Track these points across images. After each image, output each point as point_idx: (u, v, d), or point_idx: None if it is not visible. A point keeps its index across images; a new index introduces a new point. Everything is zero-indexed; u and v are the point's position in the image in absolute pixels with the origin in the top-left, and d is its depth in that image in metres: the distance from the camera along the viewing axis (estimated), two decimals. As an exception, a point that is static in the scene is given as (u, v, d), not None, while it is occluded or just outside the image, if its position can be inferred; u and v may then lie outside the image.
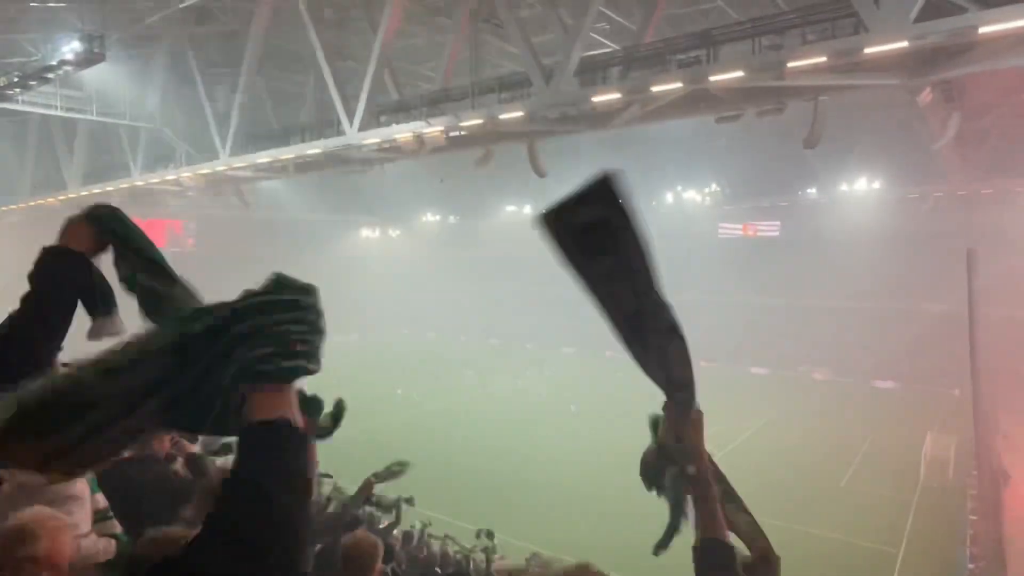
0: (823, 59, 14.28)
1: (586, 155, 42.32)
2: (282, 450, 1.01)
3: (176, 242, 50.46)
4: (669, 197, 55.43)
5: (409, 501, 8.71)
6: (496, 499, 23.56)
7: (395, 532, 8.67)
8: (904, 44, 13.17)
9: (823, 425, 32.88)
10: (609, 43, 23.28)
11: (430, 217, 68.28)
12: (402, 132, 22.13)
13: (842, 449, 28.97)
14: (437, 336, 59.05)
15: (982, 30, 12.56)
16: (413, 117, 22.05)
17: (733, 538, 1.82)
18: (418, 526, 11.62)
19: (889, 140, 37.17)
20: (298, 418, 1.05)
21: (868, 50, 13.57)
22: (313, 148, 25.58)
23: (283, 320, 1.03)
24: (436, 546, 11.17)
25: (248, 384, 1.02)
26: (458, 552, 11.28)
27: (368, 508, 9.60)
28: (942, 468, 25.55)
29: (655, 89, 17.07)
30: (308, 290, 1.10)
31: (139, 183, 32.28)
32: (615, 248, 1.54)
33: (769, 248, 51.77)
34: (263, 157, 27.07)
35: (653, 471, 1.69)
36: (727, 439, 30.24)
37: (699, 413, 1.68)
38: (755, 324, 47.48)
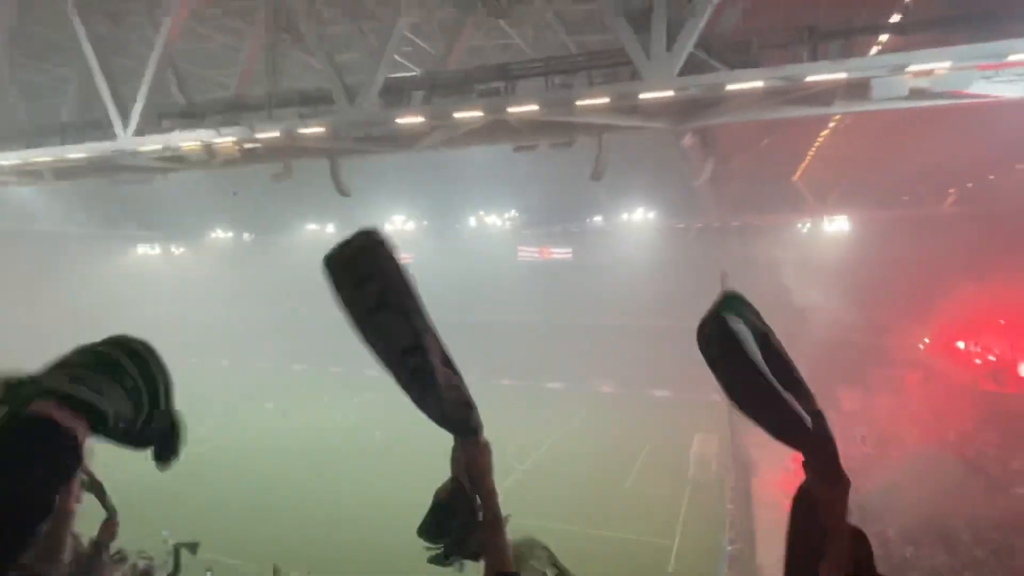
0: (606, 100, 15.76)
1: (392, 175, 42.09)
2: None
3: None
4: (472, 221, 57.13)
5: (192, 548, 7.95)
6: (294, 536, 22.19)
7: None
8: (670, 93, 15.03)
9: (610, 433, 35.71)
10: (413, 67, 23.44)
11: (221, 233, 62.91)
12: (188, 140, 20.15)
13: (627, 454, 31.68)
14: (231, 364, 54.36)
15: (729, 87, 14.78)
16: (202, 125, 20.22)
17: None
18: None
19: (661, 176, 41.81)
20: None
21: (642, 96, 15.25)
22: (76, 152, 22.31)
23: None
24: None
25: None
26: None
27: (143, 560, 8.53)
28: (706, 465, 29.00)
29: (457, 115, 17.55)
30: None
31: None
32: (382, 277, 1.58)
33: (563, 270, 55.36)
34: (8, 159, 23.04)
35: (440, 515, 1.66)
36: (528, 452, 31.55)
37: (485, 445, 1.68)
38: (551, 342, 50.30)
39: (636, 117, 16.66)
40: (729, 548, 20.99)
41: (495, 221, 57.31)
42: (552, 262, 56.61)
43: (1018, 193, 32.46)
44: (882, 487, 21.99)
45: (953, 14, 14.10)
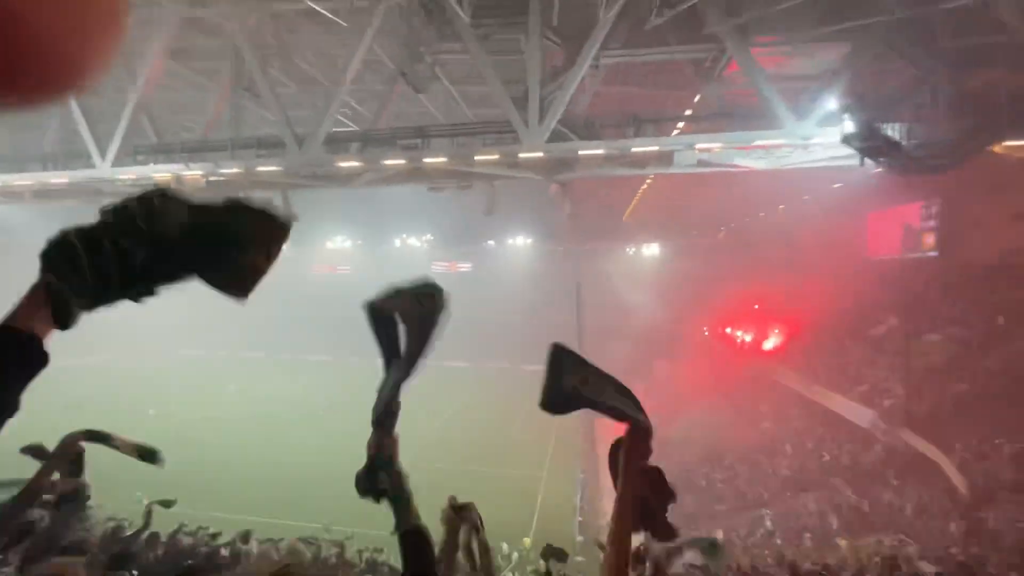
0: (496, 156, 15.93)
1: (333, 205, 40.08)
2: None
3: None
4: (397, 242, 55.70)
5: (166, 504, 6.75)
6: (259, 493, 20.46)
7: (144, 536, 6.74)
8: (541, 154, 15.44)
9: (502, 397, 35.92)
10: (351, 123, 22.50)
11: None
12: (161, 172, 18.14)
13: (512, 412, 31.99)
14: (195, 354, 49.25)
15: (581, 152, 15.41)
16: (172, 160, 18.27)
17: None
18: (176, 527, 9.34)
19: (537, 213, 42.94)
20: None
21: (521, 155, 15.56)
22: (59, 177, 19.44)
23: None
24: (188, 541, 9.09)
25: None
26: (211, 542, 9.35)
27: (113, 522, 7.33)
28: (567, 417, 29.82)
29: (385, 162, 17.06)
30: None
31: None
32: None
33: (466, 280, 55.24)
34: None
35: (364, 484, 1.56)
36: (440, 413, 31.06)
37: (396, 438, 1.56)
38: (455, 332, 49.85)
39: (517, 169, 16.96)
40: (581, 475, 21.71)
41: (414, 242, 56.26)
42: (458, 274, 56.33)
43: (760, 231, 36.34)
44: (681, 428, 23.65)
45: (722, 112, 15.55)
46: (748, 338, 30.00)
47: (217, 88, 19.22)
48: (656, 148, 15.16)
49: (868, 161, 13.54)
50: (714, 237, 44.21)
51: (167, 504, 6.72)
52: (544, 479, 22.73)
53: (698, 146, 14.98)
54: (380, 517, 1.67)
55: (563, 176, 17.42)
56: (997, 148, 13.45)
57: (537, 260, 52.01)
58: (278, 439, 27.01)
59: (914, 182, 18.56)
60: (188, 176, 18.09)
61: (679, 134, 15.84)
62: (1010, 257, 19.44)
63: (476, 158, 16.07)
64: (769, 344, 27.82)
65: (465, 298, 54.43)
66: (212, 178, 18.42)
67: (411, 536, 1.46)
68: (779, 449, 20.77)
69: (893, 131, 12.86)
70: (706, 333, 35.50)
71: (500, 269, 53.30)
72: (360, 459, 1.58)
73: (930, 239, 23.72)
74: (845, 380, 20.68)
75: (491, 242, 54.19)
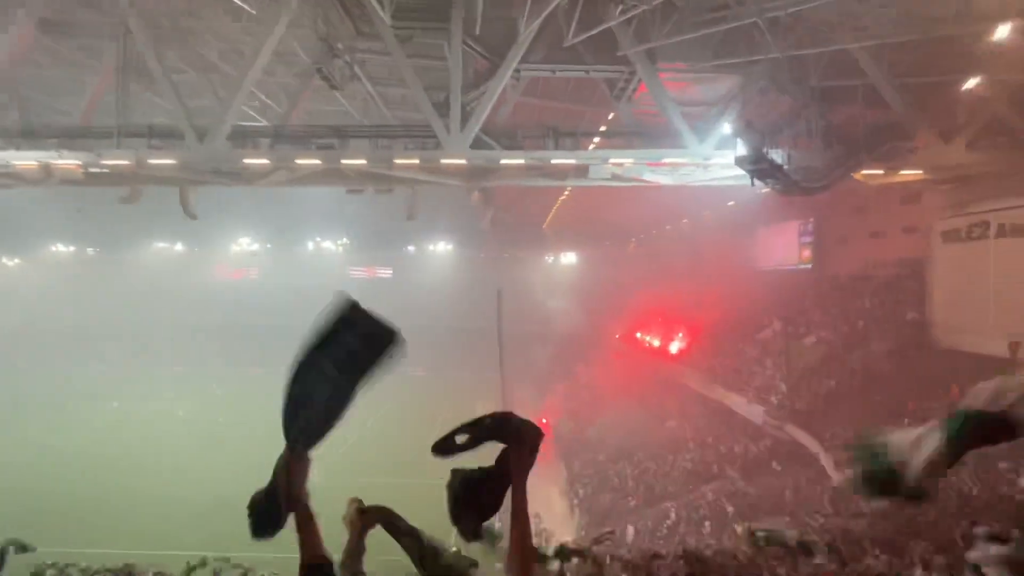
0: (417, 161, 15.73)
1: (241, 203, 37.27)
2: None
3: None
4: (311, 244, 52.93)
5: (22, 547, 5.77)
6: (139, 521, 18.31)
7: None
8: (463, 161, 15.49)
9: (422, 405, 35.15)
10: (259, 118, 21.08)
11: (61, 248, 50.02)
12: (25, 160, 15.82)
13: (431, 419, 31.42)
14: (79, 369, 43.11)
15: (502, 161, 15.67)
16: (41, 146, 15.98)
17: None
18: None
19: (458, 219, 42.81)
20: None
21: (443, 161, 15.51)
22: None
23: None
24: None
25: None
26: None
27: None
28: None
29: (299, 161, 16.20)
30: None
31: None
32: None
33: (386, 287, 53.66)
34: None
35: (261, 511, 1.44)
36: (358, 424, 29.79)
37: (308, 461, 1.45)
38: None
39: (439, 175, 16.86)
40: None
41: (329, 246, 53.75)
42: (378, 279, 54.59)
43: (666, 242, 39.06)
44: (598, 430, 24.60)
45: (634, 130, 16.57)
46: (656, 342, 31.92)
47: (91, 64, 17.15)
48: (573, 161, 15.80)
49: (757, 182, 15.10)
50: (626, 247, 46.79)
51: (23, 548, 5.71)
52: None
53: (611, 160, 15.83)
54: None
55: (485, 184, 17.58)
56: (858, 175, 15.60)
57: (458, 267, 51.80)
58: (169, 461, 24.44)
59: (795, 202, 20.94)
60: (61, 165, 15.95)
61: (595, 148, 16.66)
62: (869, 269, 22.56)
63: (397, 162, 15.76)
64: (675, 348, 29.80)
65: (384, 305, 52.93)
66: (93, 169, 16.40)
67: (314, 570, 1.40)
68: (683, 445, 22.28)
69: (777, 156, 14.47)
70: (618, 338, 37.30)
71: (421, 275, 52.39)
72: (261, 480, 1.49)
73: (806, 253, 26.94)
74: (739, 379, 22.70)
75: (411, 248, 53.19)
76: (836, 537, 7.56)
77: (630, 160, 15.83)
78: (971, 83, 13.23)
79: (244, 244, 51.90)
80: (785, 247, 28.14)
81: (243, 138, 16.12)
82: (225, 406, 33.18)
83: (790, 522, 12.54)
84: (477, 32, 15.51)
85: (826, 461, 15.26)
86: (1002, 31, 10.97)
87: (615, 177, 16.40)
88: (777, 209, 24.80)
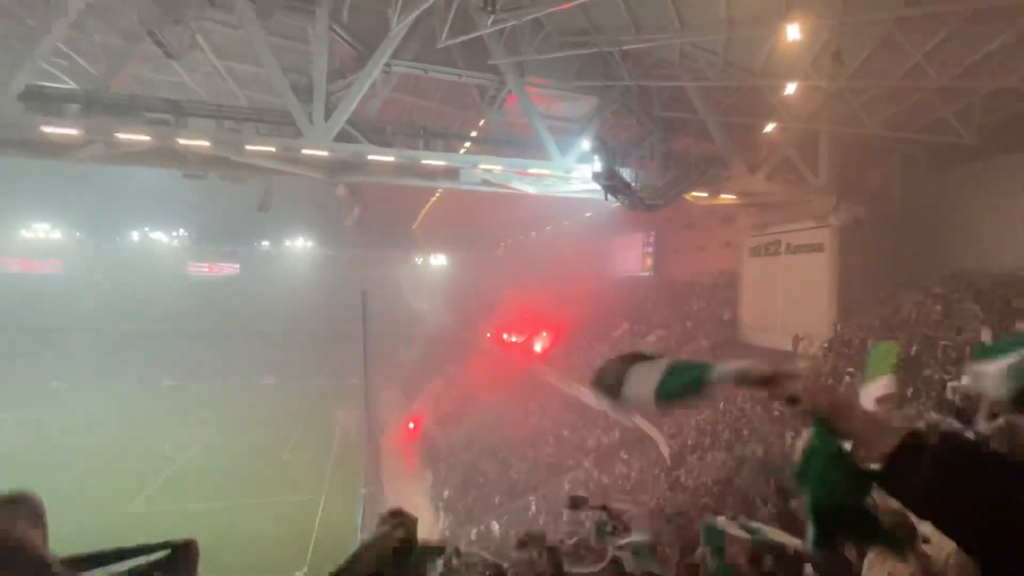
0: (272, 149, 14.42)
1: (46, 180, 30.55)
2: None
3: None
4: (135, 235, 45.23)
5: None
6: None
7: None
8: (326, 153, 14.60)
9: (272, 417, 32.19)
10: (67, 79, 17.47)
11: None
12: None
13: (284, 432, 28.97)
14: None
15: (369, 157, 15.11)
16: None
17: None
18: None
19: (320, 215, 40.12)
20: None
21: (304, 152, 14.44)
22: None
23: None
24: None
25: None
26: None
27: None
28: (348, 432, 28.48)
29: (121, 135, 13.75)
30: None
31: None
32: None
33: (231, 285, 48.02)
34: None
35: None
36: (189, 444, 26.21)
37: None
38: (221, 342, 42.97)
39: (298, 166, 15.64)
40: (363, 491, 20.95)
41: (161, 237, 46.43)
42: (221, 276, 48.56)
43: (532, 248, 41.26)
44: (466, 430, 24.85)
45: (503, 138, 17.19)
46: (521, 342, 33.42)
47: None
48: (444, 163, 15.86)
49: (610, 196, 16.71)
50: (495, 251, 48.26)
51: None
52: (322, 502, 21.19)
53: (481, 165, 16.23)
54: None
55: (350, 179, 16.77)
56: (688, 196, 18.13)
57: (320, 265, 48.48)
58: None
59: (639, 216, 23.61)
60: None
61: (465, 152, 16.91)
62: (696, 277, 26.36)
63: (248, 148, 14.25)
64: (538, 347, 31.51)
65: (226, 305, 47.43)
66: None
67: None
68: (544, 440, 23.61)
69: (627, 174, 16.19)
70: (488, 337, 38.22)
71: (276, 273, 47.94)
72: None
73: (649, 262, 30.59)
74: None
75: (266, 243, 48.43)
76: (666, 509, 8.71)
77: (499, 167, 16.38)
78: (769, 127, 16.27)
79: (41, 231, 42.41)
80: (632, 256, 31.64)
81: (44, 101, 13.21)
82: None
83: (631, 501, 14.12)
84: (345, 20, 14.79)
85: (663, 446, 17.42)
86: (789, 88, 13.69)
87: (485, 182, 16.80)
88: (626, 222, 27.76)
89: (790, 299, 19.04)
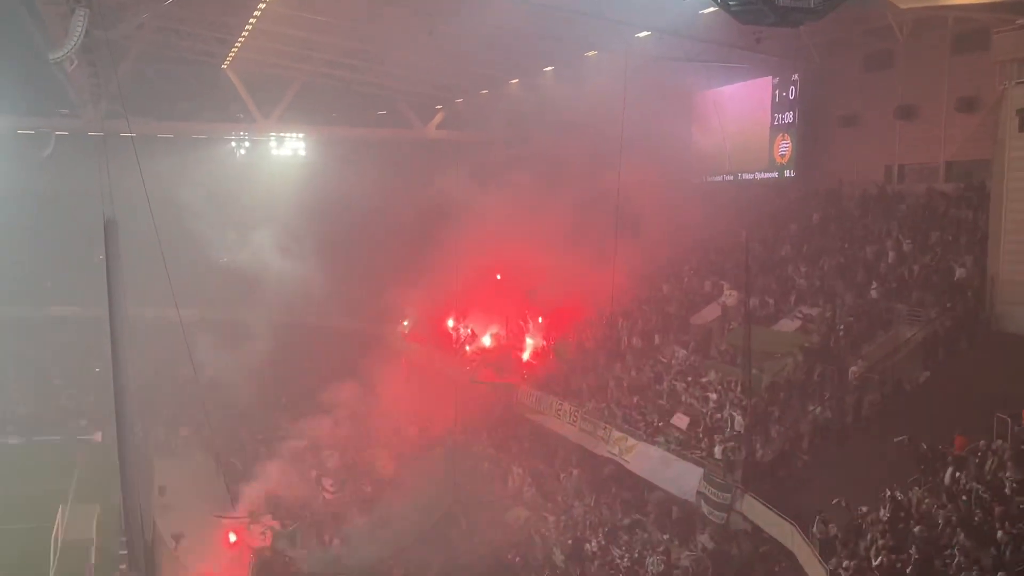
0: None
1: None
2: None
3: None
4: None
5: None
6: None
7: None
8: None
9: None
10: None
11: None
12: None
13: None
14: None
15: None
16: None
17: None
18: None
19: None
20: None
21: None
22: None
23: None
24: None
25: None
26: None
27: None
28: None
29: None
30: None
31: None
32: None
33: None
34: None
35: None
36: None
37: None
38: None
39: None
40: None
41: None
42: None
43: (508, 115, 24.76)
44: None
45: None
46: (491, 345, 21.07)
47: None
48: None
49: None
50: (423, 127, 33.47)
51: None
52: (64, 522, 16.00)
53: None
54: None
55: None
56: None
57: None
58: None
59: (768, 41, 12.72)
60: None
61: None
62: (888, 179, 15.34)
63: None
64: (526, 353, 19.47)
65: None
66: None
67: None
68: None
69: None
70: (407, 334, 25.12)
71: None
72: None
73: (787, 145, 16.95)
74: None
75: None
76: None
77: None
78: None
79: None
80: (745, 131, 18.19)
81: None
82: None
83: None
84: None
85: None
86: None
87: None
88: (732, 53, 14.94)
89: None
